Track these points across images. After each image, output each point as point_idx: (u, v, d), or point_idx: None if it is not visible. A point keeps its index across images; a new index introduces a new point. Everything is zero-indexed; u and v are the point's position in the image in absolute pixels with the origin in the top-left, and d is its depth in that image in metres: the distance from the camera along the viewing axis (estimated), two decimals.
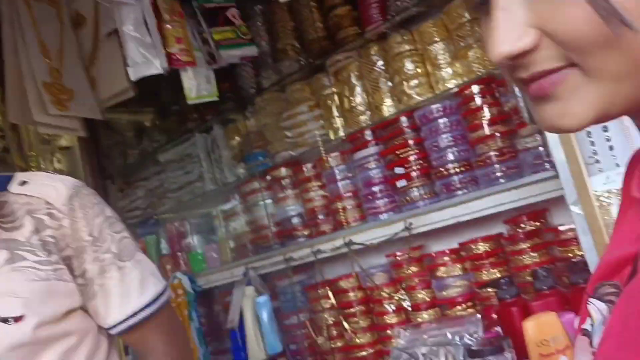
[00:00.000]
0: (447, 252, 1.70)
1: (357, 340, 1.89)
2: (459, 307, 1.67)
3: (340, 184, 1.96)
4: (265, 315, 1.99)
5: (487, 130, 1.62)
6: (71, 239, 0.92)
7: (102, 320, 0.96)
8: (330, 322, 1.98)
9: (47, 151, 2.61)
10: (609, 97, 0.38)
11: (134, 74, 1.65)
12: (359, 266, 1.87)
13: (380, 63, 1.87)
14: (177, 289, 2.24)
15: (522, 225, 1.60)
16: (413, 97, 1.79)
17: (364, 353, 1.88)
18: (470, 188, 1.67)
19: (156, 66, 1.63)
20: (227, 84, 2.24)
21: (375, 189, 1.86)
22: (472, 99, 1.63)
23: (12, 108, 2.22)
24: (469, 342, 1.23)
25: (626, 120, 0.45)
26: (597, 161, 1.20)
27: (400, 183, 1.78)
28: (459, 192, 1.68)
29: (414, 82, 1.79)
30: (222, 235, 2.40)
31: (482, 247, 1.63)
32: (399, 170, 1.79)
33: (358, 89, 1.93)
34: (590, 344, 0.45)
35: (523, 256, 1.56)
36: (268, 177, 2.15)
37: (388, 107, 1.86)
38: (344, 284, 1.93)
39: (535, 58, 0.39)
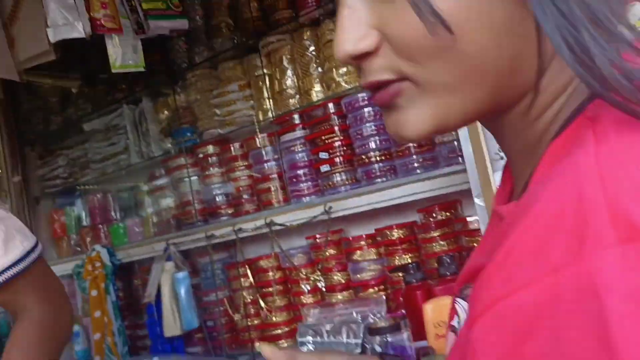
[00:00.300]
0: (364, 236, 1.77)
1: (273, 319, 1.94)
2: (371, 290, 1.74)
3: (266, 165, 1.99)
4: (183, 291, 2.00)
5: None
6: None
7: None
8: (249, 300, 2.01)
9: None
10: (443, 109, 0.38)
11: (54, 36, 1.58)
12: (279, 246, 1.90)
13: (312, 49, 1.90)
14: (95, 262, 2.20)
15: (434, 215, 1.68)
16: (341, 85, 1.83)
17: (279, 331, 1.93)
18: (389, 177, 1.74)
19: (79, 30, 1.57)
20: (158, 56, 2.20)
21: (300, 172, 1.89)
22: None
23: None
24: (371, 320, 1.30)
25: None
26: (502, 157, 1.28)
27: (324, 168, 1.83)
28: (379, 180, 1.74)
29: (343, 70, 1.83)
30: (146, 210, 2.37)
31: (396, 234, 1.71)
32: (323, 155, 1.83)
33: (289, 73, 1.94)
34: None
35: (433, 244, 1.64)
36: (199, 154, 2.13)
37: (317, 93, 1.89)
38: (263, 263, 1.96)
39: (372, 65, 0.39)
